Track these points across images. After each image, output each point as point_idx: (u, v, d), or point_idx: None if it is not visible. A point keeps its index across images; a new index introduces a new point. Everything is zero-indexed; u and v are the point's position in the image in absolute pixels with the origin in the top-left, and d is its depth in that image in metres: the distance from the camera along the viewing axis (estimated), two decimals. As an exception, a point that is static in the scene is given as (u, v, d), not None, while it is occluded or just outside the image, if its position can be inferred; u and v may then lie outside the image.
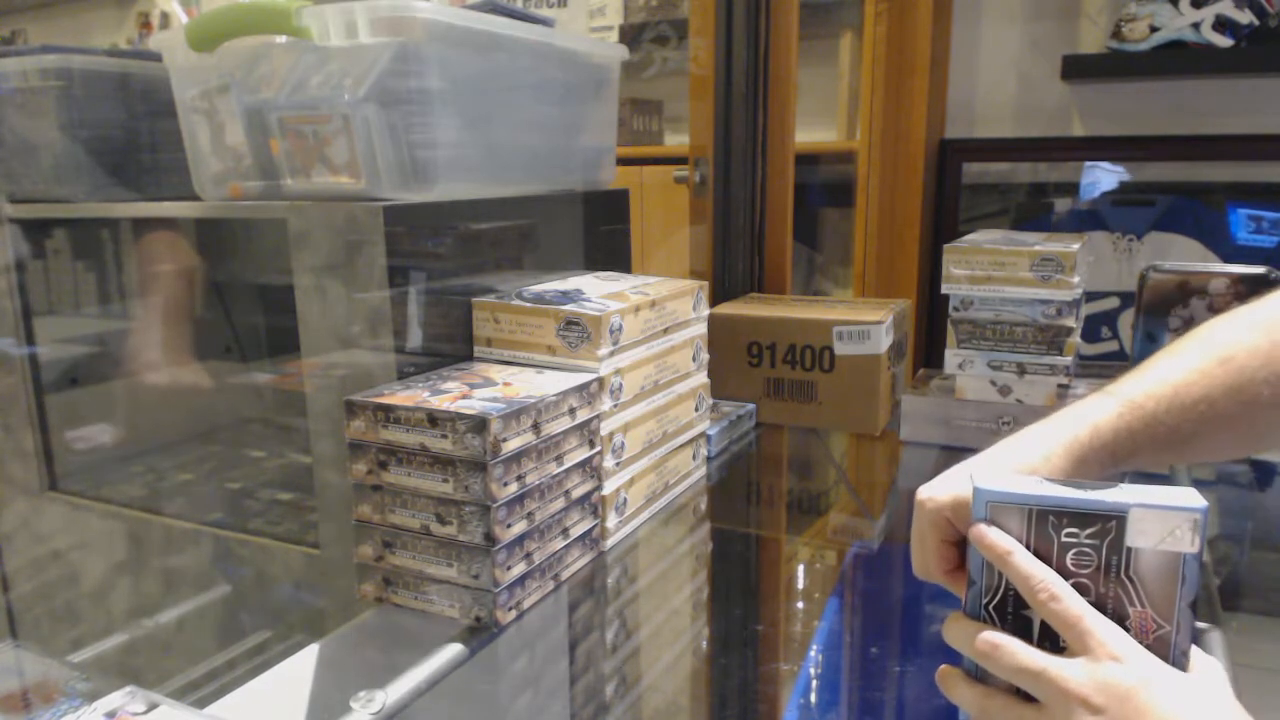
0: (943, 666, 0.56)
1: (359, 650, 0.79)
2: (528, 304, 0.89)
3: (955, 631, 0.55)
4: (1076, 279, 1.11)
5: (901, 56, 1.77)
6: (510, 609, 0.75)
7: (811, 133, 2.34)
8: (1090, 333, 1.82)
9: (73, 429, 1.16)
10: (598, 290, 0.96)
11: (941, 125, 1.90)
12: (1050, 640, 0.52)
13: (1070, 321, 1.13)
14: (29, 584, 1.20)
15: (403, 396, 0.75)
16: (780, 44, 1.56)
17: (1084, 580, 0.52)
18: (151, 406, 1.22)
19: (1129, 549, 0.51)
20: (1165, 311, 1.08)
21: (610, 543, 0.90)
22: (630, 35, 2.55)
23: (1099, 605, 0.52)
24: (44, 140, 1.05)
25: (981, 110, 1.89)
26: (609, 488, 0.89)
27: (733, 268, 1.60)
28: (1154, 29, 1.60)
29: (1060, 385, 1.14)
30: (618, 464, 0.90)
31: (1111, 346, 1.82)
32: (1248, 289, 1.05)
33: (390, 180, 0.84)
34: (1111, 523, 0.52)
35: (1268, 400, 0.62)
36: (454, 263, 0.91)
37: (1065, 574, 0.53)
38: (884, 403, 1.28)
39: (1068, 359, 1.13)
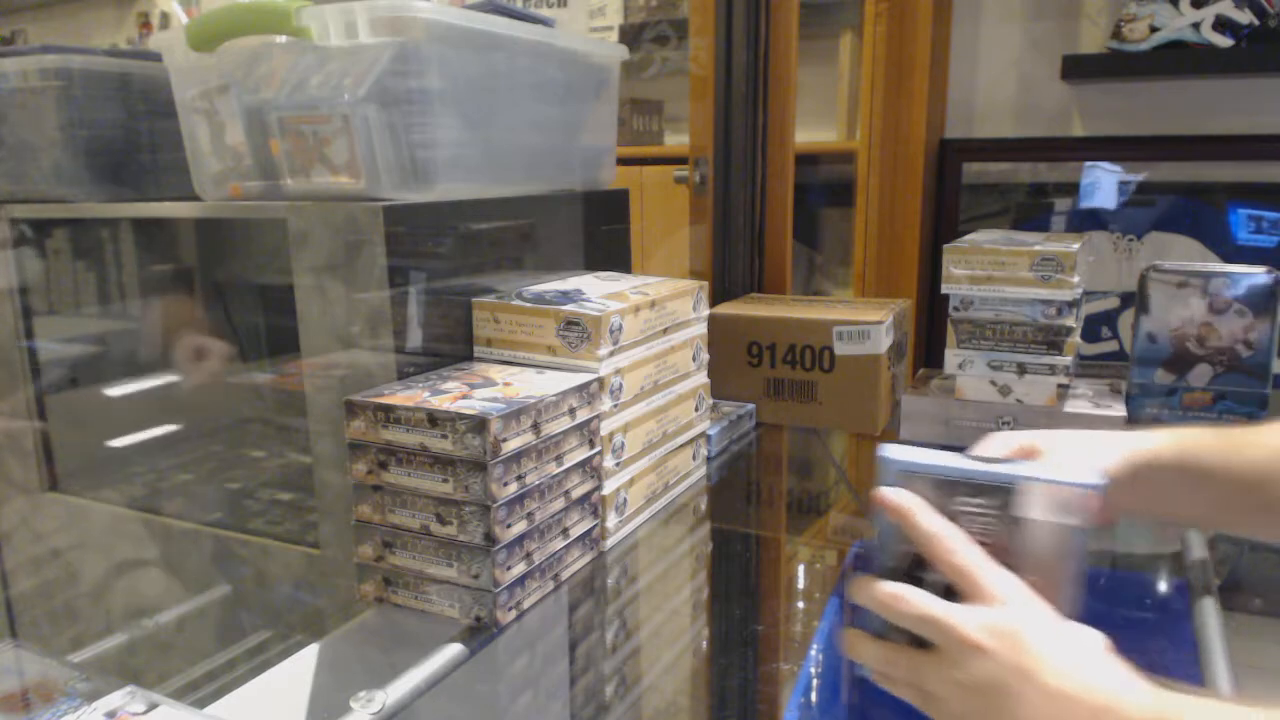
0: (848, 630, 0.60)
1: (359, 650, 0.79)
2: (528, 304, 0.89)
3: (859, 589, 0.58)
4: (1076, 279, 1.11)
5: (901, 56, 1.77)
6: (510, 609, 0.75)
7: (811, 133, 2.34)
8: (1090, 333, 1.82)
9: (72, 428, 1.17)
10: (598, 290, 0.96)
11: (941, 125, 1.90)
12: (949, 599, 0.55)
13: (1070, 321, 1.13)
14: (29, 584, 1.20)
15: (403, 396, 0.75)
16: (780, 44, 1.56)
17: (981, 547, 0.55)
18: (151, 406, 1.22)
19: (1022, 519, 0.55)
20: (1165, 311, 1.08)
21: (610, 543, 0.90)
22: (630, 35, 2.55)
23: None
24: (44, 140, 1.05)
25: (981, 110, 1.89)
26: (609, 488, 0.89)
27: (733, 268, 1.60)
28: (1154, 29, 1.60)
29: (1060, 385, 1.14)
30: (618, 464, 0.90)
31: (1111, 346, 1.82)
32: (1247, 290, 1.05)
33: (390, 180, 0.84)
34: (1007, 494, 0.55)
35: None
36: (454, 263, 0.91)
37: None
38: (884, 403, 1.28)
39: (1068, 359, 1.13)
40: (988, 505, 0.55)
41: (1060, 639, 0.51)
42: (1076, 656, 0.50)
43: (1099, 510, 0.61)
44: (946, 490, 0.56)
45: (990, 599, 0.52)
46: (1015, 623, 0.51)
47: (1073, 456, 0.63)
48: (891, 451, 0.58)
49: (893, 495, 0.57)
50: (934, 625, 0.53)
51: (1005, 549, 0.55)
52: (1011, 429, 1.17)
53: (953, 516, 0.56)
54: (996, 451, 0.64)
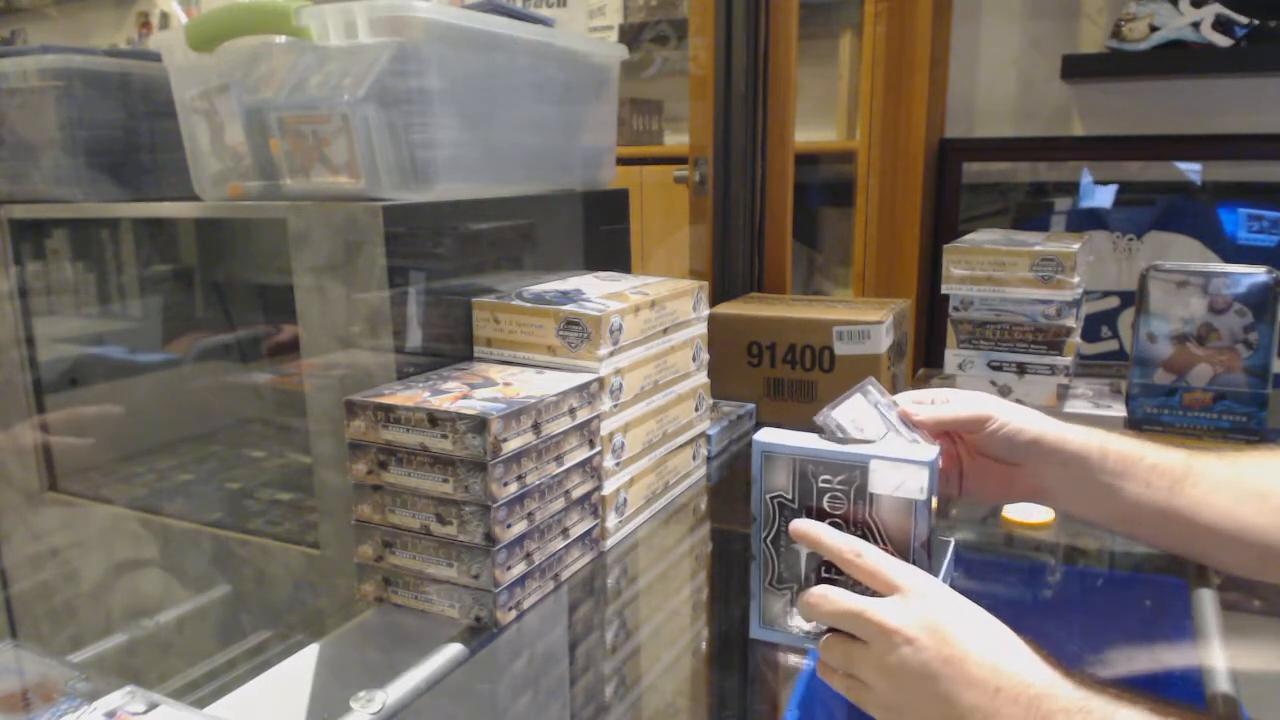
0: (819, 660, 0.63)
1: (359, 650, 0.79)
2: (528, 304, 0.89)
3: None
4: (1076, 279, 1.12)
5: (901, 56, 1.77)
6: (510, 609, 0.75)
7: (811, 133, 2.34)
8: (1090, 333, 1.82)
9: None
10: (598, 290, 0.96)
11: (941, 125, 1.90)
12: (827, 569, 0.62)
13: (1070, 321, 1.13)
14: (29, 583, 1.20)
15: (403, 396, 0.75)
16: (780, 44, 1.56)
17: (838, 520, 0.62)
18: (150, 406, 1.22)
19: (871, 495, 0.61)
20: (1165, 311, 1.08)
21: (610, 543, 0.90)
22: (630, 35, 2.55)
23: None
24: (44, 140, 1.05)
25: (981, 110, 1.89)
26: (609, 488, 0.89)
27: (733, 268, 1.60)
28: (1154, 28, 1.60)
29: (1060, 385, 1.14)
30: (618, 464, 0.90)
31: (1111, 346, 1.82)
32: (1247, 290, 1.05)
33: (390, 180, 0.84)
34: (856, 472, 0.61)
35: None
36: (454, 263, 0.91)
37: (823, 514, 0.62)
38: (884, 403, 1.27)
39: (1068, 359, 1.14)
40: (843, 482, 0.61)
41: (977, 627, 0.54)
42: (997, 645, 0.53)
43: (1009, 487, 0.71)
44: (808, 470, 0.62)
45: (904, 591, 0.56)
46: (934, 612, 0.54)
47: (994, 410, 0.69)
48: (762, 435, 0.65)
49: (801, 525, 0.62)
50: (858, 619, 0.56)
51: (861, 522, 0.61)
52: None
53: (810, 490, 0.63)
54: (924, 412, 0.70)
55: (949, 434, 0.72)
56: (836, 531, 0.61)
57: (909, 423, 0.69)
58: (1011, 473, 0.71)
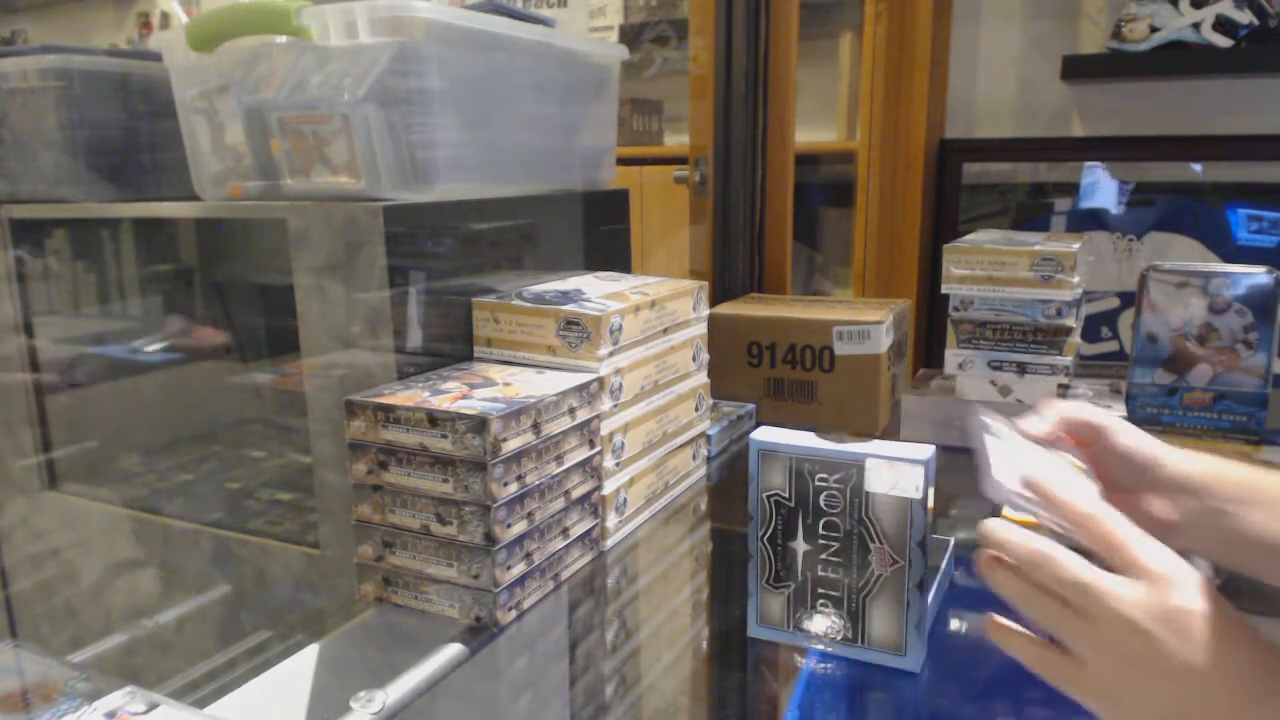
0: (991, 616, 0.54)
1: (359, 650, 0.79)
2: (528, 304, 0.89)
3: (995, 533, 0.53)
4: (1076, 279, 1.11)
5: (901, 56, 1.77)
6: (510, 609, 0.75)
7: (811, 133, 2.34)
8: (1090, 333, 1.82)
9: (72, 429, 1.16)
10: (598, 290, 0.96)
11: (941, 125, 1.90)
12: (822, 568, 0.63)
13: (1070, 321, 1.13)
14: (29, 583, 1.20)
15: (403, 396, 0.75)
16: (780, 44, 1.56)
17: (834, 518, 0.62)
18: (151, 406, 1.22)
19: (867, 493, 0.61)
20: (1165, 311, 1.08)
21: (610, 543, 0.90)
22: (630, 35, 2.55)
23: (845, 540, 0.62)
24: (44, 140, 1.05)
25: (982, 110, 1.89)
26: (609, 488, 0.89)
27: (733, 268, 1.60)
28: (1154, 29, 1.60)
29: (1060, 385, 1.14)
30: (618, 464, 0.90)
31: (1111, 346, 1.82)
32: (1247, 290, 1.05)
33: (390, 180, 0.84)
34: (853, 470, 0.61)
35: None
36: (454, 263, 0.91)
37: (820, 512, 0.63)
38: (884, 403, 1.28)
39: (1068, 359, 1.13)
40: (839, 481, 0.62)
41: (1234, 638, 0.46)
42: (1255, 666, 0.46)
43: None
44: (805, 468, 0.63)
45: (1153, 576, 0.48)
46: (1189, 613, 0.46)
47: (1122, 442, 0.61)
48: (759, 434, 0.66)
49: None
50: (1088, 595, 0.48)
51: (851, 518, 0.61)
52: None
53: (806, 488, 0.63)
54: (1046, 421, 0.61)
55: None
56: (1077, 493, 0.53)
57: (1038, 441, 0.61)
58: (1130, 503, 0.61)
